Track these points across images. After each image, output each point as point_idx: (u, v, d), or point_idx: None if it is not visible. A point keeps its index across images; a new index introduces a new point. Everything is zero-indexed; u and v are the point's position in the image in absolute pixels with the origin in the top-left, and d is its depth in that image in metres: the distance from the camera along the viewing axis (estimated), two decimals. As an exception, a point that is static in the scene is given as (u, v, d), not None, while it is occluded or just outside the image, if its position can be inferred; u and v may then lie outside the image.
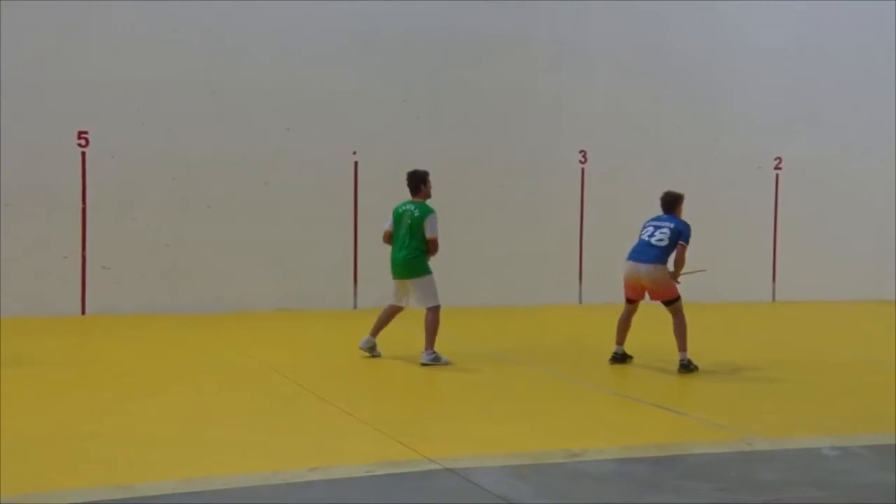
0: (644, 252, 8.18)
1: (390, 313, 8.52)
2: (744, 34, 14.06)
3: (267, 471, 5.06)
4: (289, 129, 12.03)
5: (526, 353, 9.01)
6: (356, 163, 12.21)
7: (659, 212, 8.57)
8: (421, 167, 8.70)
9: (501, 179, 12.87)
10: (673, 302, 8.21)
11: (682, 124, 13.69)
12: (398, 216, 8.45)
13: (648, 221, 8.47)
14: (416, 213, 8.33)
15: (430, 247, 8.29)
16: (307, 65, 12.14)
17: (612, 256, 13.39)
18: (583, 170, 13.24)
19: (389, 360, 8.40)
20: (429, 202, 8.45)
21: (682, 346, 8.14)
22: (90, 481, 4.83)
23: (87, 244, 11.25)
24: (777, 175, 14.21)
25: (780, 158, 14.18)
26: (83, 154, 11.22)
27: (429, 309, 8.29)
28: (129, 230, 11.45)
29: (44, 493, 4.62)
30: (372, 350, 8.51)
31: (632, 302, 8.41)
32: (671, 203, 8.51)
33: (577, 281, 13.28)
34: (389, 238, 8.50)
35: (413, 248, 8.29)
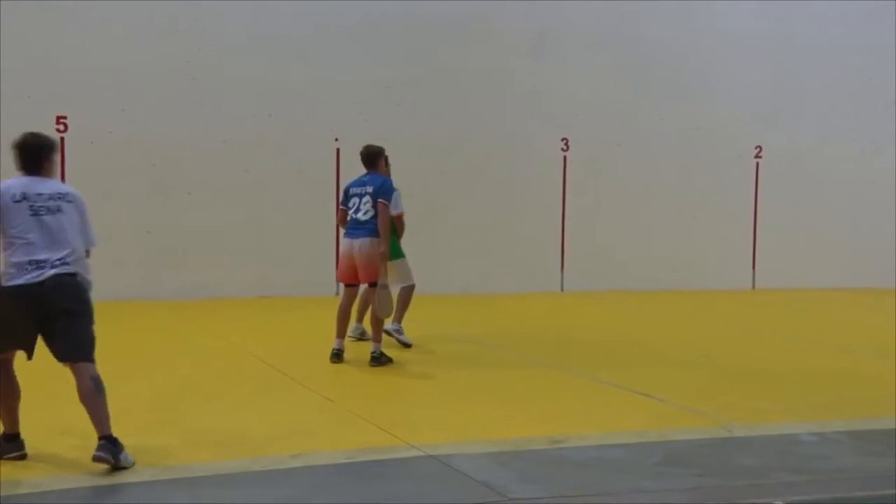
0: (357, 227, 7.62)
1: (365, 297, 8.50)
2: (724, 23, 14.07)
3: (247, 457, 5.05)
4: (270, 115, 11.97)
5: (507, 341, 9.02)
6: (338, 149, 12.16)
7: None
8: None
9: (483, 166, 12.86)
10: (374, 285, 7.56)
11: (663, 112, 13.71)
12: None
13: (351, 186, 7.83)
14: None
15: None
16: (288, 51, 12.07)
17: (594, 244, 13.59)
18: (564, 157, 13.24)
19: (370, 346, 8.39)
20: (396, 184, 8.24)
21: (377, 337, 7.69)
22: (67, 469, 4.81)
23: (66, 230, 11.14)
24: (757, 163, 14.27)
25: (760, 147, 14.24)
26: (62, 139, 11.12)
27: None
28: (109, 216, 11.34)
29: (19, 480, 4.60)
30: (362, 336, 8.50)
31: (350, 286, 7.84)
32: (372, 158, 7.89)
33: (559, 269, 13.30)
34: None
35: None
